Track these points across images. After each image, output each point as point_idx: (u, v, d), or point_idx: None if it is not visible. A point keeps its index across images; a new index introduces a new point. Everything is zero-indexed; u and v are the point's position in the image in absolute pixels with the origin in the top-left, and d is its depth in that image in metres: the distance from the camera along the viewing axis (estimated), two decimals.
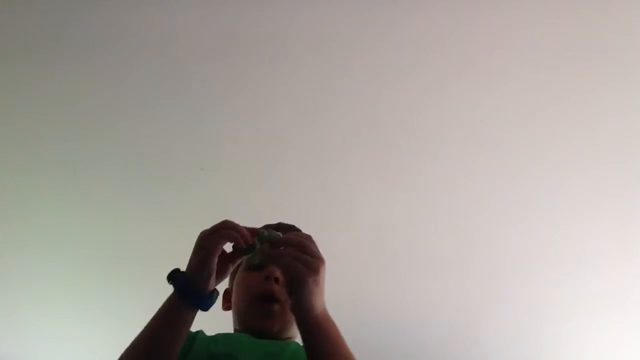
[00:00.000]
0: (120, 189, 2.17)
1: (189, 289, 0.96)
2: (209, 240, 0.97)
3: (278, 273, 1.16)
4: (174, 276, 0.98)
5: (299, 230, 1.27)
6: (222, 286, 1.21)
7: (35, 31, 1.77)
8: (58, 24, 1.75)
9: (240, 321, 1.21)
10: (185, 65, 1.83)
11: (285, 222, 1.27)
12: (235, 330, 1.24)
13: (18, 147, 2.07)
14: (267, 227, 1.07)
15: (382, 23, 1.69)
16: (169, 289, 0.99)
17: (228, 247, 1.01)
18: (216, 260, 0.96)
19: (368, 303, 2.43)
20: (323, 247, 1.22)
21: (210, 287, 0.98)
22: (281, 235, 0.98)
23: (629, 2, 1.64)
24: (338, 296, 2.22)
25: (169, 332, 0.97)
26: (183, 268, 1.00)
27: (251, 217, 1.21)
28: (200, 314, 1.00)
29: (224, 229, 0.97)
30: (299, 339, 1.06)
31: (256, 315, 1.17)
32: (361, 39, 1.74)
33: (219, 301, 1.09)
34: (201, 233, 0.99)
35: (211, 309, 1.00)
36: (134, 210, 2.24)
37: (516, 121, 1.90)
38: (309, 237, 0.98)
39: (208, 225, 0.99)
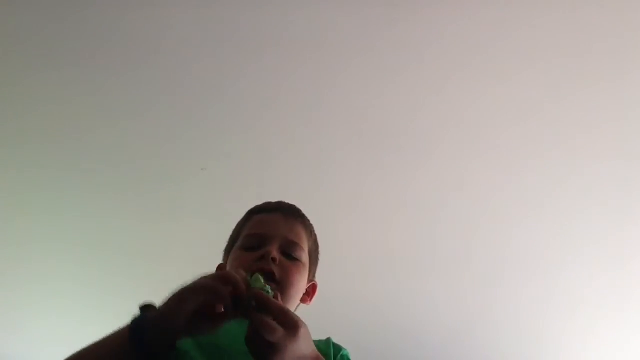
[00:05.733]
0: (122, 189, 2.17)
1: (144, 335, 0.84)
2: (191, 293, 0.85)
3: (275, 253, 1.11)
4: (144, 312, 0.87)
5: (299, 210, 1.25)
6: (217, 260, 1.19)
7: (36, 31, 1.77)
8: (60, 24, 1.75)
9: None
10: (185, 65, 1.83)
11: None
12: None
13: (19, 145, 2.07)
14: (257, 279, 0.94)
15: (380, 22, 1.70)
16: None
17: None
18: (189, 316, 0.84)
19: (366, 303, 2.44)
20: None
21: (171, 341, 0.86)
22: (269, 290, 0.90)
23: (628, 1, 1.64)
24: (336, 296, 2.24)
25: None
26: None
27: None
28: None
29: (215, 287, 0.85)
30: None
31: None
32: (359, 38, 1.74)
33: None
34: (196, 280, 0.87)
35: None
36: (135, 210, 2.24)
37: (516, 121, 1.90)
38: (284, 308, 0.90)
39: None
